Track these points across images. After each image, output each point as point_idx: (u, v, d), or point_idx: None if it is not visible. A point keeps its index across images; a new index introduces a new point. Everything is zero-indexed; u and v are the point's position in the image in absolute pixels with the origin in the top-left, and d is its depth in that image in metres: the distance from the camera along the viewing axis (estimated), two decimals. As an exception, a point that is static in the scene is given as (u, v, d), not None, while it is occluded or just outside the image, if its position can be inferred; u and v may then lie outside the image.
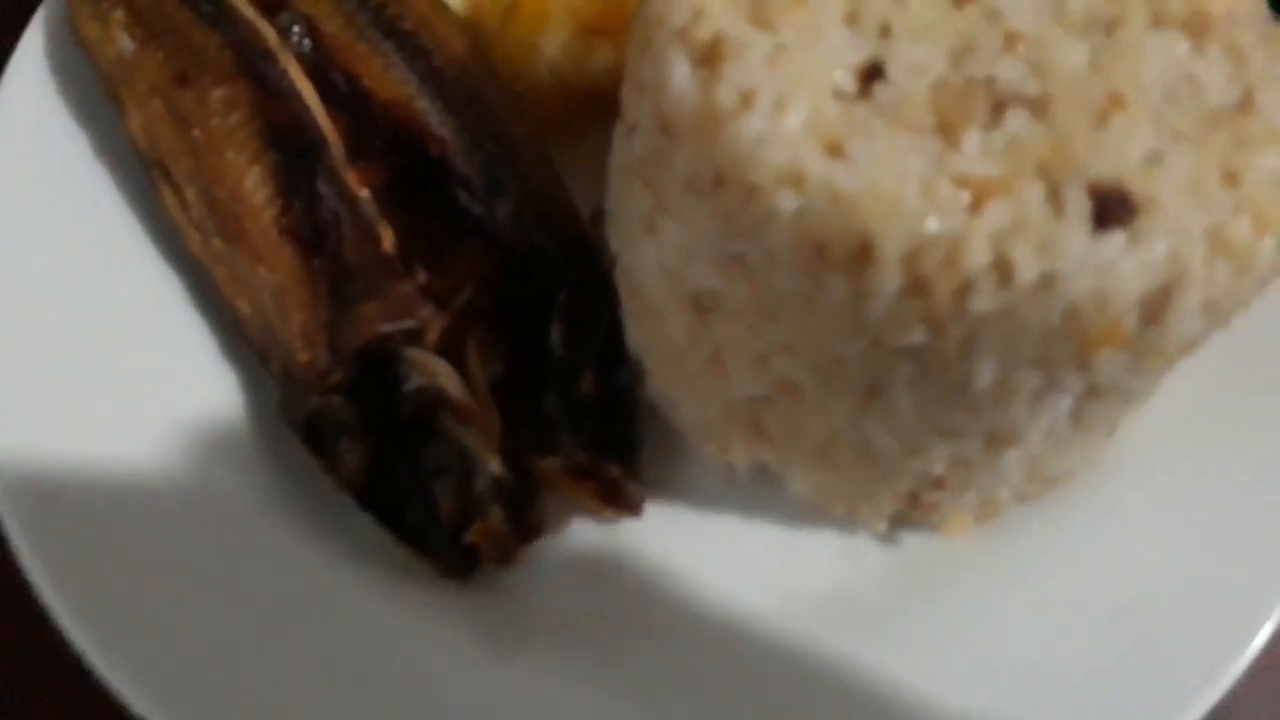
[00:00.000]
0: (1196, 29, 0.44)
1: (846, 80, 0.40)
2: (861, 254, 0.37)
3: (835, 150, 0.38)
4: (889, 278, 0.37)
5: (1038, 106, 0.40)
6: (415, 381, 0.52)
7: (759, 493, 0.54)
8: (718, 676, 0.51)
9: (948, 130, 0.39)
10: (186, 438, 0.54)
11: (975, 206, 0.37)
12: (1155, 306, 0.39)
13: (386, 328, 0.52)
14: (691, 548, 0.53)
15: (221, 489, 0.52)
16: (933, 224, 0.37)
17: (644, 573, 0.53)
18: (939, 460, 0.46)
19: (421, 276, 0.53)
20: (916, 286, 0.37)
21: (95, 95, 0.59)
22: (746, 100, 0.39)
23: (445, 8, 0.60)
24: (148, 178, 0.57)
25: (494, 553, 0.50)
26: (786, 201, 0.38)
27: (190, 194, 0.56)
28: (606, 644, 0.51)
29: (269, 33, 0.58)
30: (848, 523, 0.53)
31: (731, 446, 0.52)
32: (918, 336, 0.39)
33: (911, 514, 0.51)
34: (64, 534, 0.49)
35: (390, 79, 0.57)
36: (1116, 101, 0.40)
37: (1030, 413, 0.43)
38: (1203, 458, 0.52)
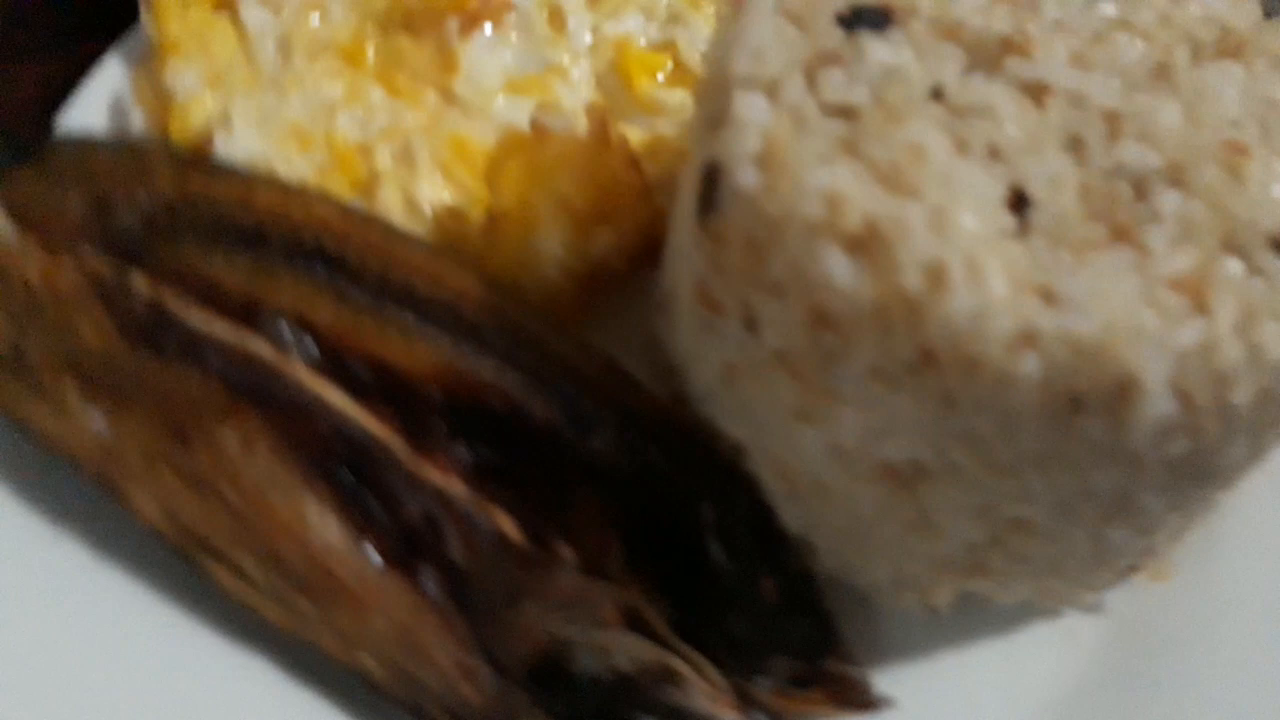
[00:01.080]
0: (1233, 50, 0.45)
1: (1003, 218, 0.38)
2: (1123, 392, 0.36)
3: (1048, 295, 0.37)
4: (1157, 405, 0.36)
5: (1174, 177, 0.40)
6: (606, 666, 0.46)
7: (957, 616, 0.51)
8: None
9: (1124, 234, 0.38)
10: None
11: (1200, 306, 0.37)
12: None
13: (562, 625, 0.45)
14: (925, 698, 0.50)
15: None
16: (1184, 339, 0.36)
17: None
18: (1167, 532, 0.45)
19: (567, 553, 0.47)
20: (1183, 403, 0.36)
21: (71, 485, 0.50)
22: (937, 277, 0.37)
23: (441, 251, 0.54)
24: (184, 561, 0.48)
25: (775, 811, 0.45)
26: (1028, 365, 0.36)
27: (248, 562, 0.48)
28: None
29: (258, 345, 0.50)
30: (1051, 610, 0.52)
31: (936, 591, 0.49)
32: (1181, 448, 0.38)
33: (1117, 580, 0.50)
34: None
35: (419, 350, 0.50)
36: (1236, 149, 0.41)
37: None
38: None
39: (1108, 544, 0.44)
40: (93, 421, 0.49)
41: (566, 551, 0.47)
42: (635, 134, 0.62)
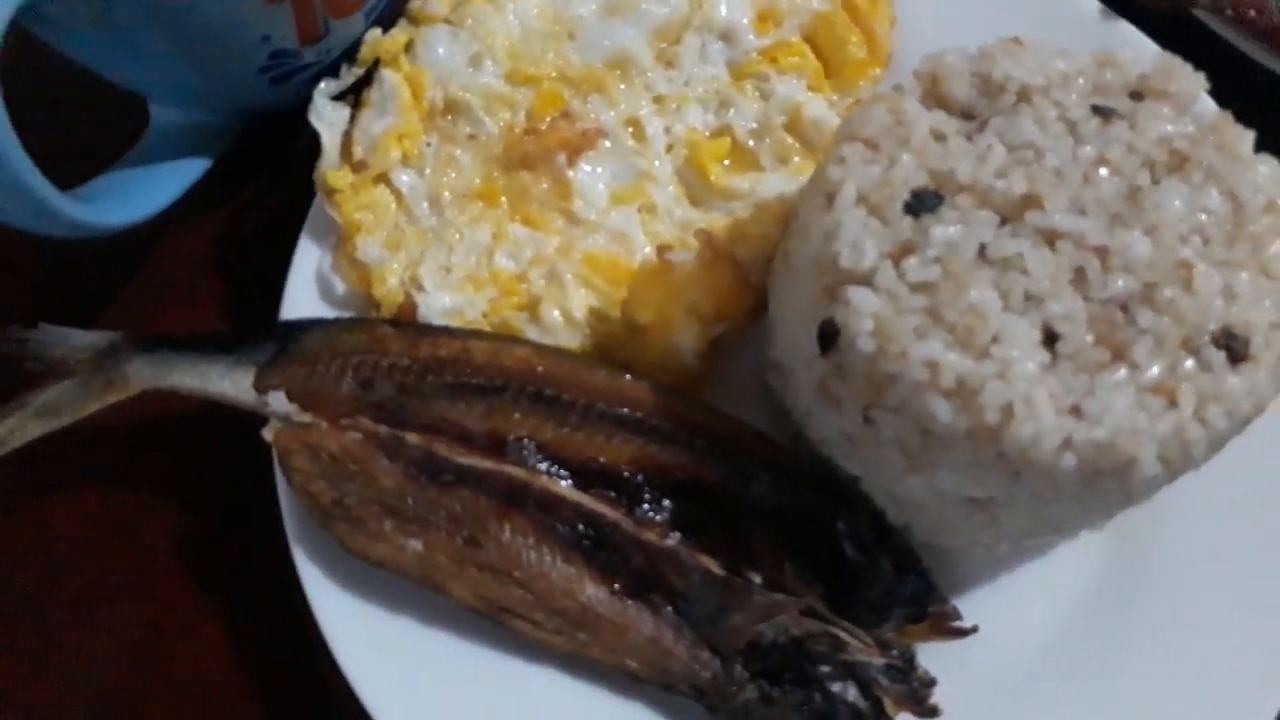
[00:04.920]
0: (1177, 166, 0.63)
1: (1043, 355, 0.58)
2: (1128, 466, 0.57)
3: (1077, 412, 0.57)
4: (1149, 470, 0.57)
5: (1148, 298, 0.59)
6: (787, 636, 0.69)
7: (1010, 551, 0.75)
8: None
9: (1120, 354, 0.58)
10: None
11: (1172, 401, 0.57)
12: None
13: (762, 628, 0.68)
14: (992, 610, 0.74)
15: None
16: (1162, 428, 0.56)
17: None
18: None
19: (755, 578, 0.69)
20: (1164, 467, 0.58)
21: (394, 590, 0.70)
22: (1007, 412, 0.57)
23: (616, 369, 0.72)
24: (494, 622, 0.70)
25: (917, 709, 0.69)
26: (1067, 461, 0.57)
27: (539, 616, 0.69)
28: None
29: (510, 469, 0.69)
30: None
31: (996, 548, 0.72)
32: (1157, 486, 0.59)
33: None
34: None
35: (618, 448, 0.70)
36: (1186, 266, 0.60)
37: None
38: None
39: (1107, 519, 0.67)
40: (408, 544, 0.69)
41: (755, 576, 0.69)
42: (718, 220, 0.80)
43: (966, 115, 0.66)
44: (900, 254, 0.60)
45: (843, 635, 0.69)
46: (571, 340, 0.76)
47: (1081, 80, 0.66)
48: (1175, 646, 0.73)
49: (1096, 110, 0.64)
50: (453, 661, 0.70)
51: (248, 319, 0.81)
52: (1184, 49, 0.69)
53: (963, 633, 0.71)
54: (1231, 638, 0.72)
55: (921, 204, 0.61)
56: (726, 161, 0.81)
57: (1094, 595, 0.75)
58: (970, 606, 0.73)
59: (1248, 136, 0.64)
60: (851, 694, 0.70)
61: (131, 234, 0.75)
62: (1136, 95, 0.66)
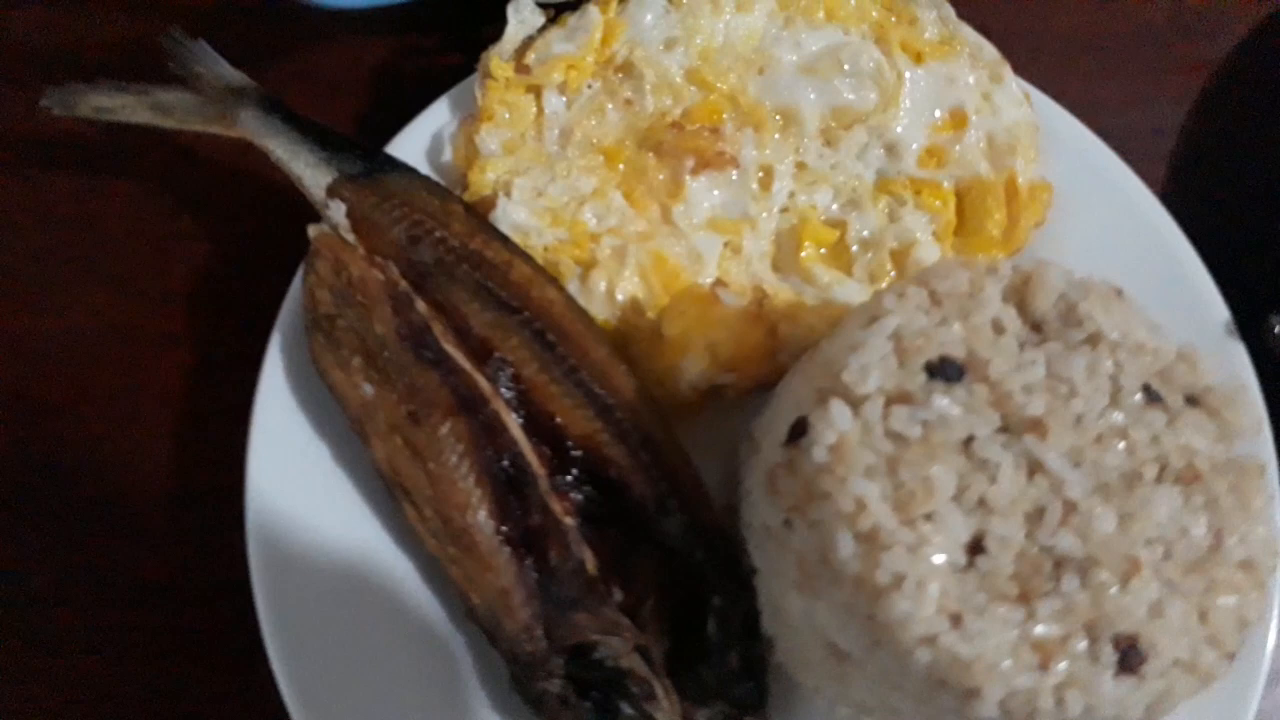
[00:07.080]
0: (1187, 480, 0.63)
1: (960, 556, 0.59)
2: (970, 694, 0.58)
3: (956, 620, 0.58)
4: (988, 709, 0.58)
5: (1083, 569, 0.60)
6: (614, 662, 0.71)
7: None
8: None
9: (1027, 598, 0.59)
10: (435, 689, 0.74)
11: (1044, 664, 0.58)
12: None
13: (597, 636, 0.70)
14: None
15: None
16: (1020, 681, 0.57)
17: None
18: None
19: (618, 594, 0.71)
20: (1004, 713, 0.58)
21: (330, 419, 0.75)
22: (897, 582, 0.58)
23: (617, 356, 0.75)
24: (390, 493, 0.74)
25: (688, 789, 0.71)
26: (923, 656, 0.58)
27: (428, 512, 0.73)
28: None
29: (481, 380, 0.73)
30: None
31: (838, 707, 0.73)
32: (996, 731, 0.60)
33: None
34: None
35: (578, 418, 0.73)
36: (1135, 565, 0.60)
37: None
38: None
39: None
40: (363, 386, 0.73)
41: (618, 593, 0.71)
42: (785, 293, 0.82)
43: (1035, 327, 0.67)
44: (896, 398, 0.62)
45: (659, 692, 0.71)
46: (600, 313, 0.79)
47: (1152, 359, 0.67)
48: None
49: (1147, 390, 0.65)
50: (337, 499, 0.75)
51: (359, 135, 0.87)
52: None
53: (763, 760, 0.72)
54: None
55: (942, 371, 0.63)
56: (823, 250, 0.83)
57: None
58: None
59: (1265, 492, 0.64)
60: (644, 752, 0.71)
61: (307, 27, 0.82)
62: (1192, 400, 0.66)
